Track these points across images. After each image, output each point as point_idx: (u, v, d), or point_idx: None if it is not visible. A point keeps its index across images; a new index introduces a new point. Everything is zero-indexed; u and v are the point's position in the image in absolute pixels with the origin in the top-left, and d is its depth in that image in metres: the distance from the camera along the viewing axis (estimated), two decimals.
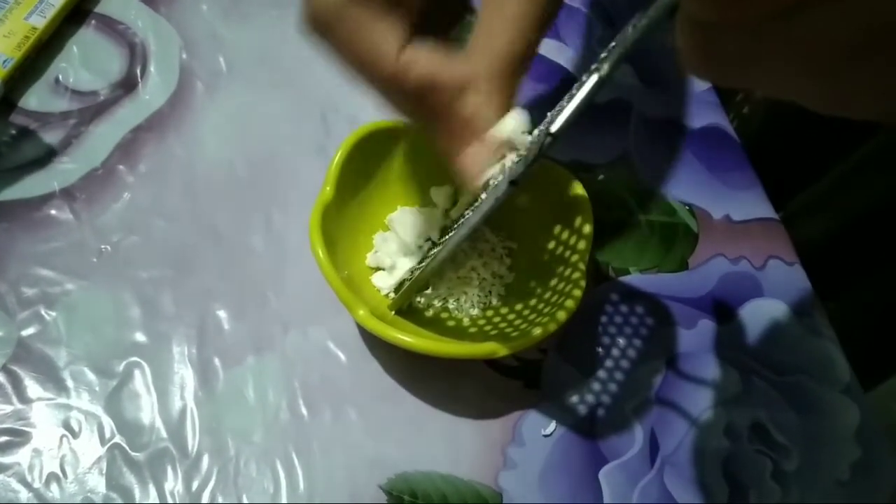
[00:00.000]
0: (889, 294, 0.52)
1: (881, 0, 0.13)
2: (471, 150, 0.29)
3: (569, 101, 0.24)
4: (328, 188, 0.36)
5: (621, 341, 0.40)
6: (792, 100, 0.17)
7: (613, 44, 0.25)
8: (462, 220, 0.32)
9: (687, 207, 0.45)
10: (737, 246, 0.44)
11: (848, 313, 0.46)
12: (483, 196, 0.29)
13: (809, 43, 0.15)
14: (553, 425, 0.37)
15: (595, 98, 0.24)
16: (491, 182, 0.29)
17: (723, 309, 0.41)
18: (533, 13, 0.28)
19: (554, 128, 0.24)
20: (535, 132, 0.28)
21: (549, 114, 0.28)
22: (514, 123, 0.28)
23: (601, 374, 0.39)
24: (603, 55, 0.25)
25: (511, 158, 0.28)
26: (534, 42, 0.29)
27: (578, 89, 0.24)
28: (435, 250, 0.34)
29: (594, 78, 0.23)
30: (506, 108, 0.29)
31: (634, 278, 0.42)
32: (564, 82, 0.48)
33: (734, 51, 0.16)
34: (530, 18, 0.28)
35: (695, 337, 0.40)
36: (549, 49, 0.50)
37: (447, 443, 0.36)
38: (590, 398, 0.38)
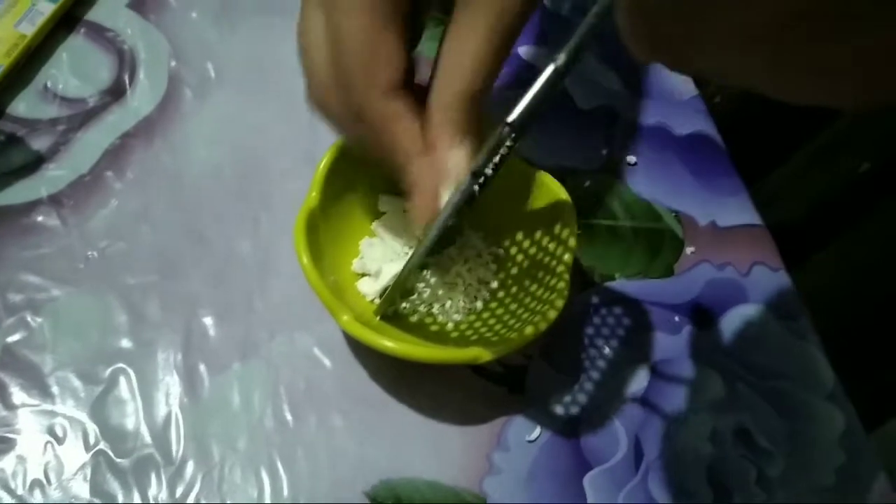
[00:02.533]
0: (852, 274, 0.53)
1: None
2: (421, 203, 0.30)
3: (525, 92, 0.25)
4: (314, 194, 0.36)
5: (606, 347, 0.40)
6: (742, 84, 0.17)
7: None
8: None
9: (673, 214, 0.45)
10: (722, 252, 0.44)
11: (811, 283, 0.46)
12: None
13: (747, 15, 0.14)
14: (538, 431, 0.37)
15: (554, 89, 0.24)
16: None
17: (708, 315, 0.42)
18: (491, 50, 0.28)
19: (510, 117, 0.25)
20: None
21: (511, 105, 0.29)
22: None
23: (586, 379, 0.39)
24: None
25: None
26: (495, 73, 0.29)
27: (536, 80, 0.24)
28: (412, 251, 0.34)
29: (550, 68, 0.24)
30: (468, 135, 0.29)
31: (620, 284, 0.42)
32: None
33: (674, 31, 0.16)
34: (494, 47, 0.28)
35: (680, 342, 0.41)
36: (535, 54, 0.50)
37: (432, 449, 0.36)
38: (575, 404, 0.38)
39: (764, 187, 0.56)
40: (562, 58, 0.24)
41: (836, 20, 0.14)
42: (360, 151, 0.32)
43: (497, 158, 0.29)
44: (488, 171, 0.29)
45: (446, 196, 0.29)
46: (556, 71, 0.24)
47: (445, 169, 0.29)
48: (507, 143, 0.27)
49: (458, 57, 0.28)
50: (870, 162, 0.50)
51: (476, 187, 0.28)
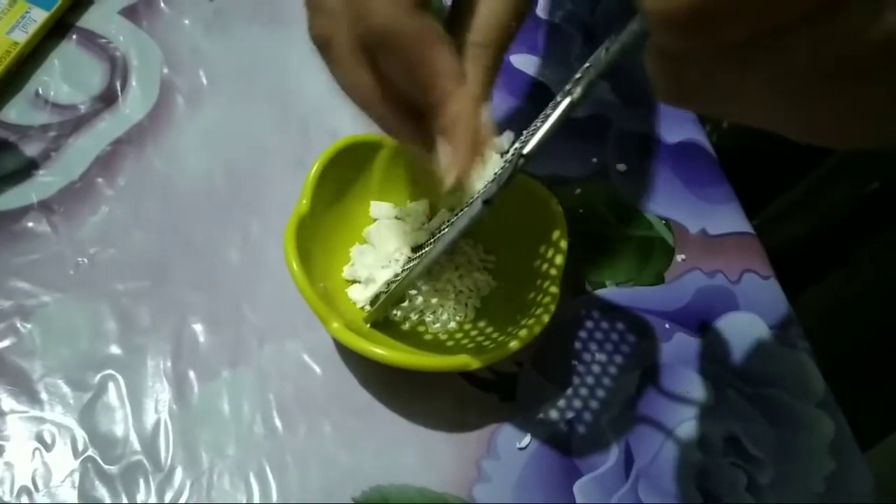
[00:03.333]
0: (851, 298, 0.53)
1: (852, 27, 0.13)
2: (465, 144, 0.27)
3: (542, 123, 0.24)
4: (304, 201, 0.36)
5: (597, 354, 0.40)
6: (766, 128, 0.17)
7: (587, 64, 0.26)
8: (438, 235, 0.33)
9: (664, 221, 0.45)
10: (713, 260, 0.44)
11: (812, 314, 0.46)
12: (459, 213, 0.30)
13: (779, 71, 0.15)
14: (528, 438, 0.37)
15: (568, 118, 0.24)
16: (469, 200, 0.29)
17: (698, 322, 0.42)
18: None
19: (526, 150, 0.25)
20: (510, 152, 0.28)
21: (524, 132, 0.28)
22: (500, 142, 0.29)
23: (577, 387, 0.39)
24: (576, 76, 0.25)
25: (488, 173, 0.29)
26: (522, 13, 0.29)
27: (553, 111, 0.24)
28: (411, 264, 0.34)
29: (566, 101, 0.24)
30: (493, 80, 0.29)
31: (610, 292, 0.42)
32: (541, 97, 0.49)
33: (704, 80, 0.16)
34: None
35: (670, 350, 0.41)
36: (528, 64, 0.50)
37: (422, 456, 0.36)
38: (565, 411, 0.38)
39: (767, 211, 0.56)
40: (578, 91, 0.24)
41: (852, 75, 0.14)
42: (363, 102, 0.29)
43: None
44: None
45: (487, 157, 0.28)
46: (571, 104, 0.24)
47: (481, 111, 0.27)
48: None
49: None
50: (879, 182, 0.50)
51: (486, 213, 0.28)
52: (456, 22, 0.28)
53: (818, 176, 0.54)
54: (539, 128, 0.25)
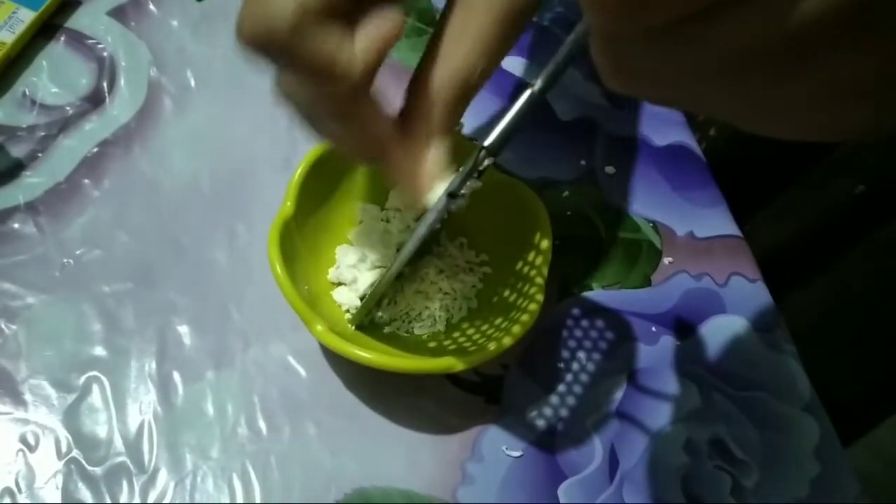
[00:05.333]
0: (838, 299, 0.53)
1: (774, 10, 0.13)
2: (419, 171, 0.28)
3: (502, 116, 0.25)
4: (288, 203, 0.36)
5: (583, 357, 0.40)
6: (717, 116, 0.17)
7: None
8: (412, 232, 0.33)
9: (651, 224, 0.45)
10: (700, 263, 0.44)
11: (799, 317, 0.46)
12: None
13: (711, 54, 0.14)
14: (516, 444, 0.37)
15: (531, 112, 0.24)
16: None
17: (685, 325, 0.42)
18: (497, 35, 0.27)
19: (487, 142, 0.25)
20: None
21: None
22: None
23: (562, 389, 0.39)
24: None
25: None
26: (493, 65, 0.28)
27: (512, 104, 0.24)
28: (389, 264, 0.34)
29: (527, 94, 0.24)
30: (452, 130, 0.29)
31: (597, 294, 0.42)
32: None
33: (646, 64, 0.16)
34: (493, 40, 0.27)
35: (656, 353, 0.41)
36: (515, 65, 0.50)
37: (406, 458, 0.36)
38: (550, 414, 0.38)
39: (756, 218, 0.56)
40: (538, 83, 0.24)
41: (789, 57, 0.14)
42: (305, 111, 0.28)
43: (475, 177, 0.29)
44: (464, 191, 0.29)
45: (438, 188, 0.28)
46: (532, 96, 0.24)
47: (431, 164, 0.28)
48: (484, 165, 0.28)
49: (461, 34, 0.26)
50: (865, 185, 0.50)
51: (453, 206, 0.28)
52: (424, 61, 0.28)
53: (807, 179, 0.54)
54: (500, 120, 0.25)
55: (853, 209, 0.50)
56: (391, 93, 0.28)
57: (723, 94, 0.16)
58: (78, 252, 0.40)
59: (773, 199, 0.57)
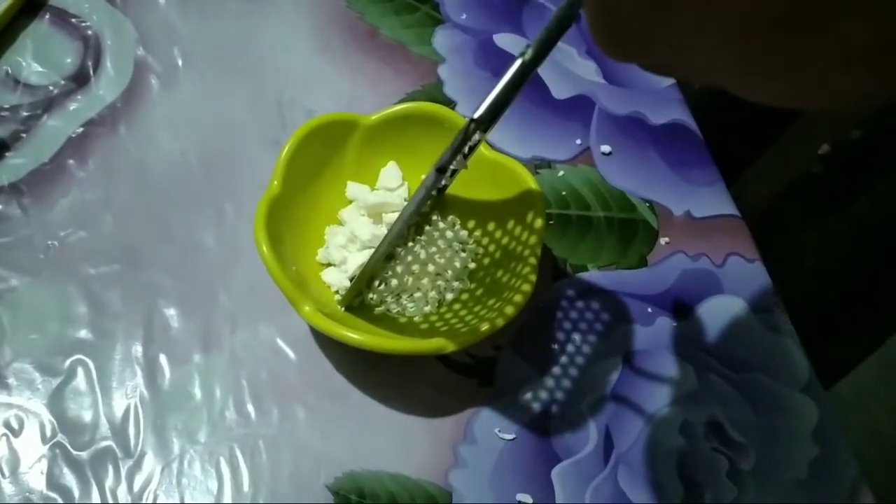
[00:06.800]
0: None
1: None
2: None
3: (492, 87, 0.24)
4: (275, 182, 0.35)
5: (578, 338, 0.39)
6: (710, 83, 0.17)
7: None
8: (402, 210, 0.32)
9: (648, 204, 0.44)
10: (697, 243, 0.43)
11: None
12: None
13: (717, 13, 0.14)
14: (510, 428, 0.37)
15: (522, 83, 0.23)
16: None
17: (682, 306, 0.41)
18: None
19: (477, 114, 0.24)
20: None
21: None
22: None
23: (557, 371, 0.38)
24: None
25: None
26: None
27: (503, 75, 0.23)
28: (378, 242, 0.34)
29: (517, 63, 0.23)
30: None
31: (592, 275, 0.41)
32: None
33: (639, 28, 0.15)
34: None
35: (652, 334, 0.40)
36: (511, 43, 0.49)
37: (397, 441, 0.36)
38: (545, 396, 0.38)
39: (742, 174, 0.55)
40: (529, 52, 0.23)
41: (789, 20, 0.13)
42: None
43: (466, 151, 0.28)
44: (454, 165, 0.29)
45: None
46: (523, 65, 0.24)
47: None
48: (475, 138, 0.27)
49: None
50: (861, 130, 0.49)
51: (443, 181, 0.28)
52: None
53: (795, 131, 0.53)
54: (490, 91, 0.24)
55: (849, 157, 0.49)
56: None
57: (720, 60, 0.15)
58: (63, 234, 0.39)
59: (759, 156, 0.56)
